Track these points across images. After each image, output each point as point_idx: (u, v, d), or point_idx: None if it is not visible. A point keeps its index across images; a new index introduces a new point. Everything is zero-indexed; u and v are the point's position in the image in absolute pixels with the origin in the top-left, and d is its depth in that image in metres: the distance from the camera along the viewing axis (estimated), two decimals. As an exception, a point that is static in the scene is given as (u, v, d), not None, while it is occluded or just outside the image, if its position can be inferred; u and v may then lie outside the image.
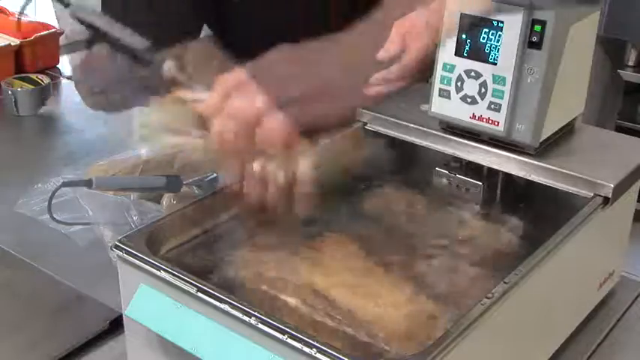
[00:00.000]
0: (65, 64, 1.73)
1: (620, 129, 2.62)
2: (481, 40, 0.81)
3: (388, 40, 0.90)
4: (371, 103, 0.92)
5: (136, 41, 0.84)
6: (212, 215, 0.82)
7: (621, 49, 2.62)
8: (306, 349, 0.60)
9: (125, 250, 0.71)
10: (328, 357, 0.60)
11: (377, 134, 0.93)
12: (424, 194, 0.91)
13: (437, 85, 0.85)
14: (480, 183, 0.89)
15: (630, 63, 2.74)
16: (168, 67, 0.83)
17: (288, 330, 0.61)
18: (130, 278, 0.72)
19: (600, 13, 0.85)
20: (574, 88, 0.87)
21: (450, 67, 0.84)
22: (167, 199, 0.97)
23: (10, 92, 1.41)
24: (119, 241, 0.72)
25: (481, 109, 0.83)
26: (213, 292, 0.66)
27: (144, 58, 0.84)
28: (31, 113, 1.42)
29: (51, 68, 1.64)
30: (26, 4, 1.00)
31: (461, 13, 0.82)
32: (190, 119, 0.80)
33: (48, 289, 0.93)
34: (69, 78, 1.58)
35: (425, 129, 0.89)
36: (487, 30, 0.80)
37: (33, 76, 1.48)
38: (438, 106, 0.86)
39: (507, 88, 0.81)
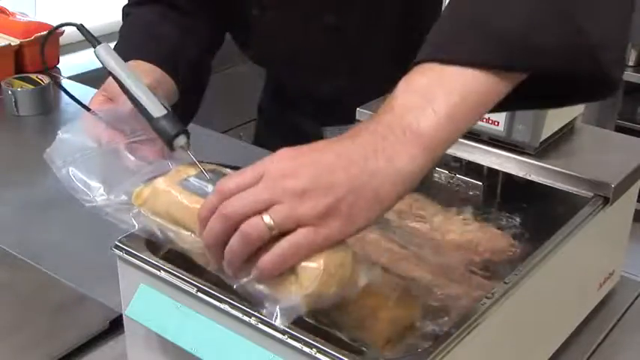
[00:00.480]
0: (65, 64, 1.74)
1: (620, 129, 2.63)
2: (481, 40, 0.81)
3: None
4: None
5: (155, 109, 0.77)
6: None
7: (621, 49, 2.62)
8: (306, 349, 0.60)
9: (125, 250, 0.71)
10: (328, 357, 0.60)
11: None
12: (424, 194, 0.91)
13: (437, 85, 0.85)
14: (480, 183, 0.89)
15: (630, 63, 2.75)
16: (183, 143, 0.75)
17: (288, 330, 0.61)
18: (130, 278, 0.72)
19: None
20: (574, 88, 0.87)
21: (450, 67, 0.84)
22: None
23: (10, 92, 1.41)
24: (119, 241, 0.72)
25: (481, 109, 0.83)
26: (213, 292, 0.66)
27: (159, 128, 0.76)
28: (31, 113, 1.42)
29: (51, 68, 1.64)
30: None
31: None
32: (186, 214, 0.68)
33: (48, 289, 0.93)
34: (69, 78, 1.58)
35: (425, 129, 0.89)
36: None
37: (33, 76, 1.48)
38: (438, 106, 0.86)
39: (507, 88, 0.81)
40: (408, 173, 0.61)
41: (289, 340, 0.61)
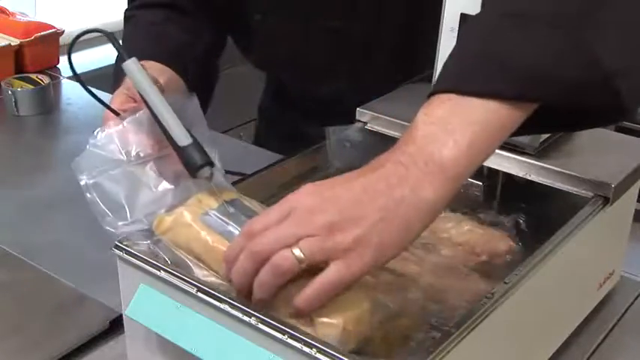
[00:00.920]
0: (65, 64, 1.73)
1: (620, 129, 2.62)
2: (481, 40, 0.81)
3: None
4: None
5: (182, 136, 0.74)
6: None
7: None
8: (306, 349, 0.60)
9: (125, 250, 0.71)
10: (328, 357, 0.60)
11: (377, 134, 0.93)
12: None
13: (437, 85, 0.85)
14: (480, 183, 0.89)
15: (630, 63, 2.74)
16: (208, 174, 0.73)
17: (288, 330, 0.61)
18: (130, 278, 0.72)
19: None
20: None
21: (450, 67, 0.84)
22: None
23: (10, 92, 1.41)
24: (119, 241, 0.72)
25: (481, 109, 0.83)
26: (213, 292, 0.66)
27: (185, 157, 0.74)
28: (31, 113, 1.42)
29: (51, 68, 1.64)
30: None
31: (461, 13, 0.82)
32: (207, 251, 0.69)
33: (48, 289, 0.93)
34: (69, 78, 1.58)
35: (425, 129, 0.89)
36: (487, 30, 0.80)
37: (33, 76, 1.48)
38: (438, 106, 0.86)
39: (507, 88, 0.81)
40: (432, 203, 0.61)
41: (289, 340, 0.61)
